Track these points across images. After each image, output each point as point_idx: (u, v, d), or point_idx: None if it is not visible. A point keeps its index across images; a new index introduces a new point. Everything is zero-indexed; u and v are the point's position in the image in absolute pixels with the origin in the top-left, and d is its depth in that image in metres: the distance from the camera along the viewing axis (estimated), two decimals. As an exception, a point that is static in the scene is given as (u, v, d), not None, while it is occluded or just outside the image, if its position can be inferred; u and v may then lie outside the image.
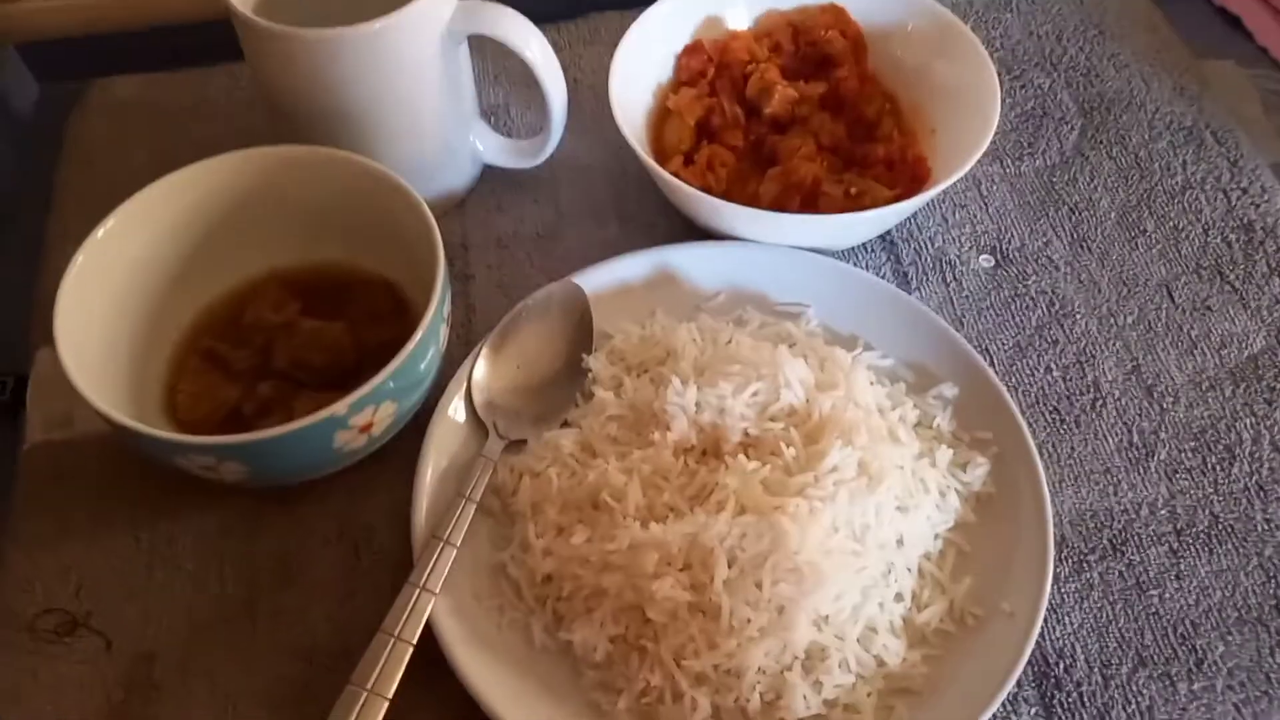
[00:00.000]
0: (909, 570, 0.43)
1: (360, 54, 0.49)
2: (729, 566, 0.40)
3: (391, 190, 0.47)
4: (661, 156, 0.56)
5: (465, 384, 0.48)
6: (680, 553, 0.41)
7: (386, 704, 0.38)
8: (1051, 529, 0.43)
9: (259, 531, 0.46)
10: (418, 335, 0.42)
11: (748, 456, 0.44)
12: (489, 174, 0.61)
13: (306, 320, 0.48)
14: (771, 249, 0.53)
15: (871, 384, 0.48)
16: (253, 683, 0.42)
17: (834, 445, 0.43)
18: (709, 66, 0.60)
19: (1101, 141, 0.62)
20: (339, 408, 0.40)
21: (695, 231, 0.57)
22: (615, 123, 0.53)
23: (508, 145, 0.59)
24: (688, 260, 0.53)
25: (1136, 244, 0.57)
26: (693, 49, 0.60)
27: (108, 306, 0.45)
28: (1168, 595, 0.45)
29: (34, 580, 0.44)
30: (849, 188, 0.54)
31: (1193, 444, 0.50)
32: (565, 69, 0.54)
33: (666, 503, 0.43)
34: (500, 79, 0.66)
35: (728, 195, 0.54)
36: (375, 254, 0.51)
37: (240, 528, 0.46)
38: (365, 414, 0.41)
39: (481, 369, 0.48)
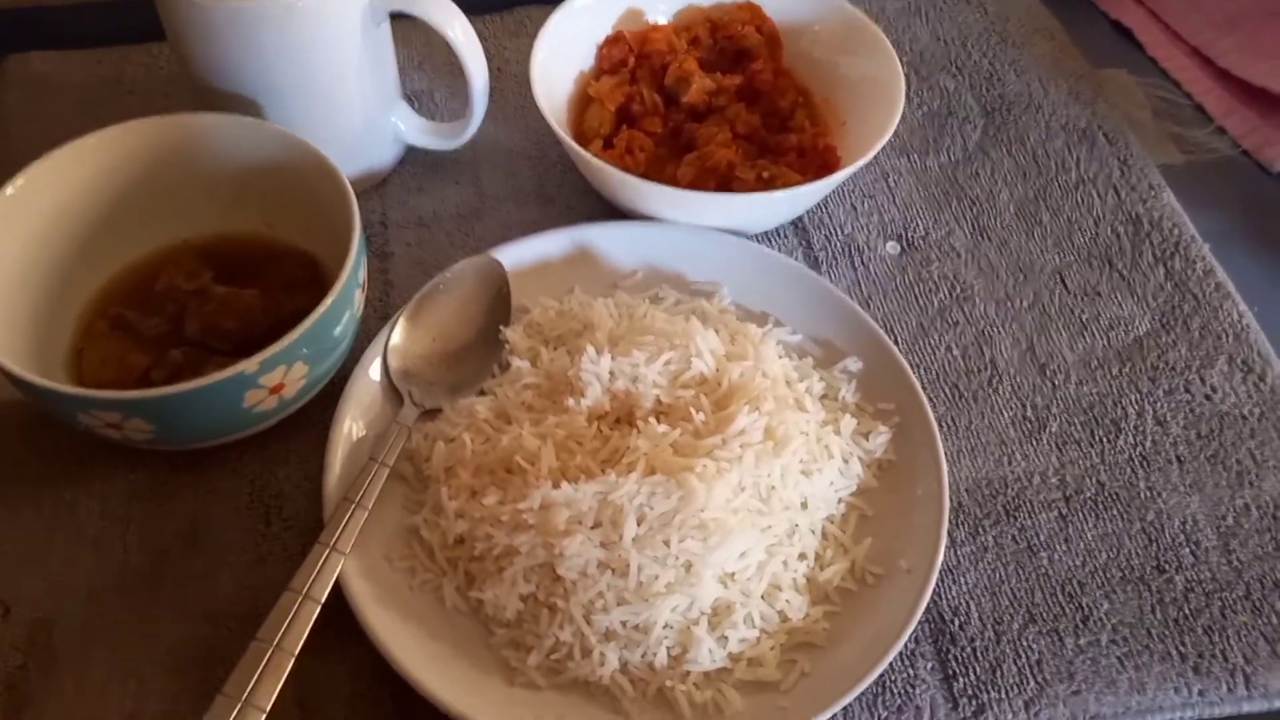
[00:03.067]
0: (812, 531, 0.45)
1: (280, 27, 0.49)
2: (638, 524, 0.41)
3: (307, 158, 0.47)
4: (582, 141, 0.58)
5: (381, 352, 0.48)
6: (590, 511, 0.42)
7: (292, 660, 0.38)
8: (948, 492, 0.45)
9: (167, 497, 0.46)
10: (332, 295, 0.42)
11: (659, 422, 0.45)
12: (411, 156, 0.61)
13: (219, 286, 0.48)
14: (688, 229, 0.55)
15: (780, 357, 0.50)
16: (156, 647, 0.41)
17: (741, 411, 0.45)
18: (629, 56, 0.61)
19: (1002, 140, 0.66)
20: (249, 364, 0.40)
21: (614, 215, 0.58)
22: (537, 111, 0.54)
23: (429, 126, 0.59)
24: (606, 239, 0.54)
25: (1033, 234, 0.61)
26: (614, 40, 0.62)
27: (13, 267, 0.44)
28: (1056, 557, 0.48)
29: (-75, 547, 0.43)
30: (762, 172, 0.56)
31: (1082, 418, 0.53)
32: (490, 59, 0.56)
33: (579, 465, 0.44)
34: (424, 66, 0.67)
35: (646, 178, 0.55)
36: (293, 226, 0.51)
37: (147, 494, 0.46)
38: (276, 374, 0.41)
39: (398, 337, 0.49)
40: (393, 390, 0.48)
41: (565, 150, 0.55)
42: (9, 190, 0.44)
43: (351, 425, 0.46)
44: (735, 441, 0.44)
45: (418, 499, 0.45)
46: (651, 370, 0.46)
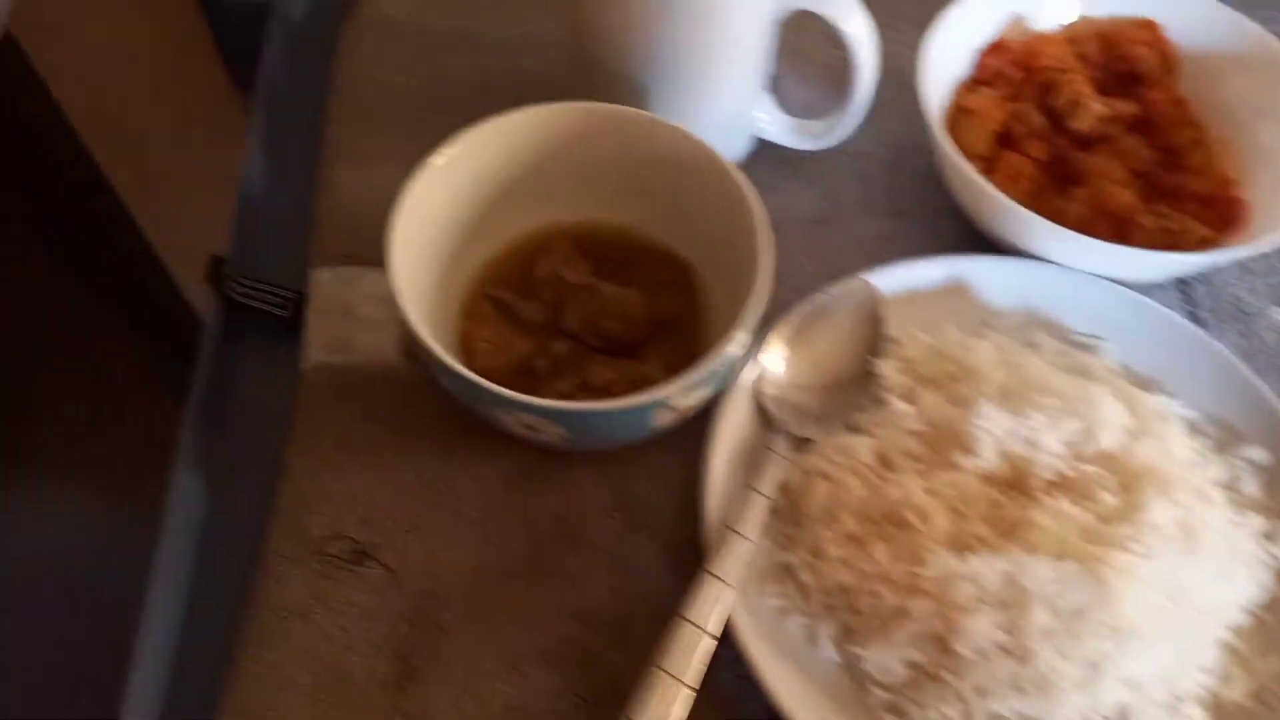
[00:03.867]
0: (1217, 642, 0.41)
1: (689, 11, 0.47)
2: (1046, 614, 0.39)
3: (706, 162, 0.45)
4: (957, 158, 0.54)
5: (753, 373, 0.46)
6: (995, 590, 0.39)
7: (693, 695, 0.38)
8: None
9: (538, 488, 0.46)
10: (750, 315, 0.40)
11: (1056, 496, 0.42)
12: (760, 150, 0.59)
13: (605, 285, 0.47)
14: (1072, 272, 0.50)
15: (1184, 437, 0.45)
16: (534, 640, 0.42)
17: (1153, 498, 0.41)
18: (1013, 68, 0.56)
19: None
20: (675, 387, 0.39)
21: (974, 239, 0.55)
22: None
23: (792, 124, 0.56)
24: (981, 272, 0.51)
25: None
26: (997, 47, 0.57)
27: (424, 241, 0.44)
28: None
29: (320, 502, 0.45)
30: (1165, 222, 0.51)
31: None
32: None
33: (974, 533, 0.41)
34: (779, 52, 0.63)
35: (1036, 212, 0.51)
36: (664, 224, 0.50)
37: (520, 481, 0.46)
38: (692, 395, 0.40)
39: (776, 360, 0.47)
40: (763, 412, 0.46)
41: (924, 161, 0.52)
42: (438, 161, 0.44)
43: (725, 445, 0.45)
44: (1149, 534, 0.40)
45: (787, 533, 0.44)
46: (1051, 437, 0.43)
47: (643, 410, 0.39)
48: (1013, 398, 0.45)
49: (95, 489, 0.63)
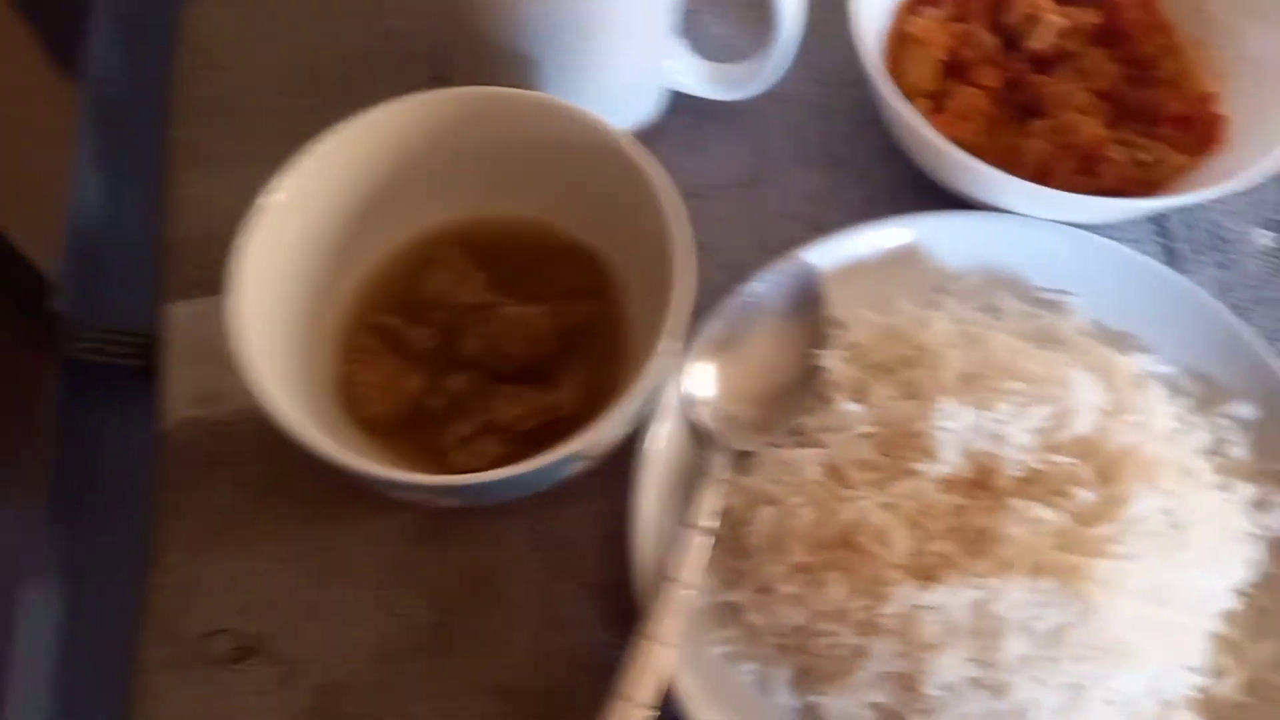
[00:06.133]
0: (1206, 635, 0.37)
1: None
2: (1022, 641, 0.34)
3: (606, 146, 0.38)
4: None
5: (678, 386, 0.41)
6: (964, 622, 0.35)
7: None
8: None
9: (446, 542, 0.40)
10: (669, 335, 0.34)
11: (1027, 496, 0.37)
12: (676, 103, 0.51)
13: (505, 304, 0.40)
14: (1033, 223, 0.45)
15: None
16: (452, 725, 0.37)
17: (1135, 488, 0.36)
18: (956, -19, 0.49)
19: None
20: (587, 442, 0.33)
21: (921, 184, 0.48)
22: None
23: (710, 71, 0.48)
24: (931, 232, 0.45)
25: None
26: (935, -44, 0.49)
27: (281, 278, 0.37)
28: None
29: (197, 593, 0.39)
30: (1138, 153, 0.44)
31: None
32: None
33: (937, 551, 0.36)
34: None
35: (979, 149, 0.44)
36: (570, 213, 0.43)
37: (420, 536, 0.40)
38: (607, 440, 0.34)
39: (706, 367, 0.41)
40: (696, 428, 0.41)
41: (860, 96, 0.45)
42: (278, 196, 0.36)
43: (655, 474, 0.39)
44: (1132, 532, 0.36)
45: (731, 567, 0.39)
46: (1019, 428, 0.38)
47: (552, 468, 0.33)
48: (974, 385, 0.39)
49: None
